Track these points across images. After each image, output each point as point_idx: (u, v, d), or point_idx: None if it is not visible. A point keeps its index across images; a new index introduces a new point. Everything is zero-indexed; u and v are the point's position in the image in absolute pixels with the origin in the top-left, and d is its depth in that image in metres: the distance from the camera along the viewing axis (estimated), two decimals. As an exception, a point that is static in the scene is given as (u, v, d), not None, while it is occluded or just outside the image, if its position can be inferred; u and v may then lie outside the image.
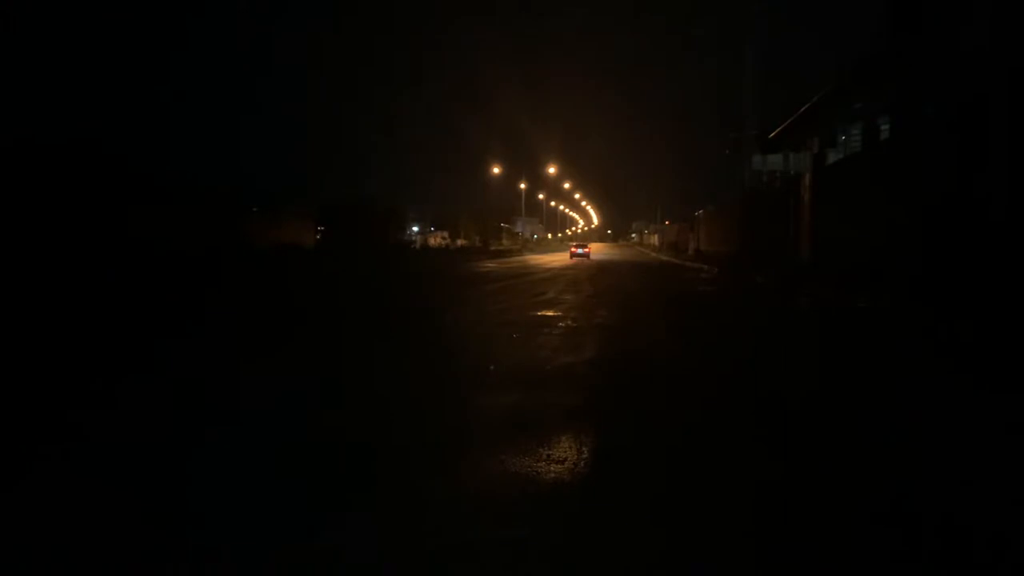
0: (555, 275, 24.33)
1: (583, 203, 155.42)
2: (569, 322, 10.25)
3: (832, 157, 21.34)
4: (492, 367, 6.78)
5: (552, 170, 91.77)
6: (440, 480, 3.64)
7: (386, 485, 3.61)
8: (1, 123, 33.34)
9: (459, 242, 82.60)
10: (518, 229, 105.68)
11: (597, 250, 65.71)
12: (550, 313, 11.52)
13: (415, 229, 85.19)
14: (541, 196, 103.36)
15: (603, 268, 31.23)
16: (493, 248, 69.43)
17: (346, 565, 2.78)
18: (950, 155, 10.71)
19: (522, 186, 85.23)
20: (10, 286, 14.90)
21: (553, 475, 3.70)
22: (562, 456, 3.99)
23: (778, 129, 28.93)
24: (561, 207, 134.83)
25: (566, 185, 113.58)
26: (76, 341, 8.70)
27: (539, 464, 3.85)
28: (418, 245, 68.63)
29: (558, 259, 44.59)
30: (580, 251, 48.04)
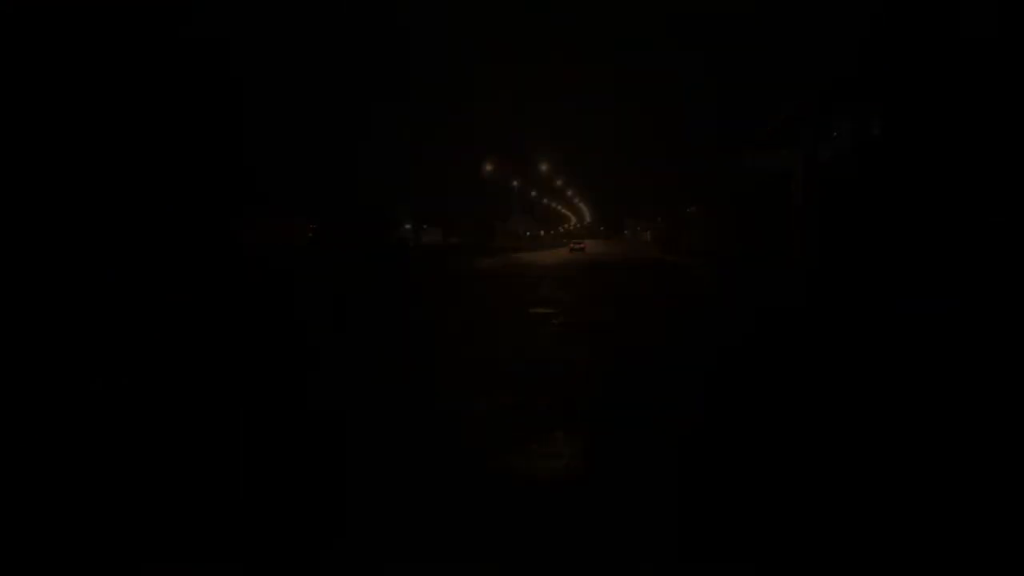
0: (549, 272, 24.34)
1: (576, 200, 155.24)
2: (564, 319, 10.35)
3: (823, 155, 21.41)
4: (491, 365, 6.88)
5: (545, 167, 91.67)
6: (437, 472, 3.73)
7: (385, 481, 3.70)
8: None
9: (452, 239, 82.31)
10: (511, 226, 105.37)
11: (591, 246, 66.21)
12: (546, 310, 11.60)
13: (408, 227, 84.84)
14: (534, 193, 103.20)
15: (597, 264, 31.23)
16: (487, 245, 69.25)
17: (343, 557, 2.87)
18: (948, 155, 10.79)
19: (515, 183, 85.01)
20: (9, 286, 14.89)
21: (551, 474, 3.78)
22: (558, 452, 4.08)
23: (770, 127, 28.97)
24: (554, 204, 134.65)
25: (558, 182, 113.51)
26: (75, 340, 8.73)
27: (536, 461, 3.94)
28: (412, 243, 68.36)
29: (552, 256, 44.59)
30: (577, 246, 57.56)
